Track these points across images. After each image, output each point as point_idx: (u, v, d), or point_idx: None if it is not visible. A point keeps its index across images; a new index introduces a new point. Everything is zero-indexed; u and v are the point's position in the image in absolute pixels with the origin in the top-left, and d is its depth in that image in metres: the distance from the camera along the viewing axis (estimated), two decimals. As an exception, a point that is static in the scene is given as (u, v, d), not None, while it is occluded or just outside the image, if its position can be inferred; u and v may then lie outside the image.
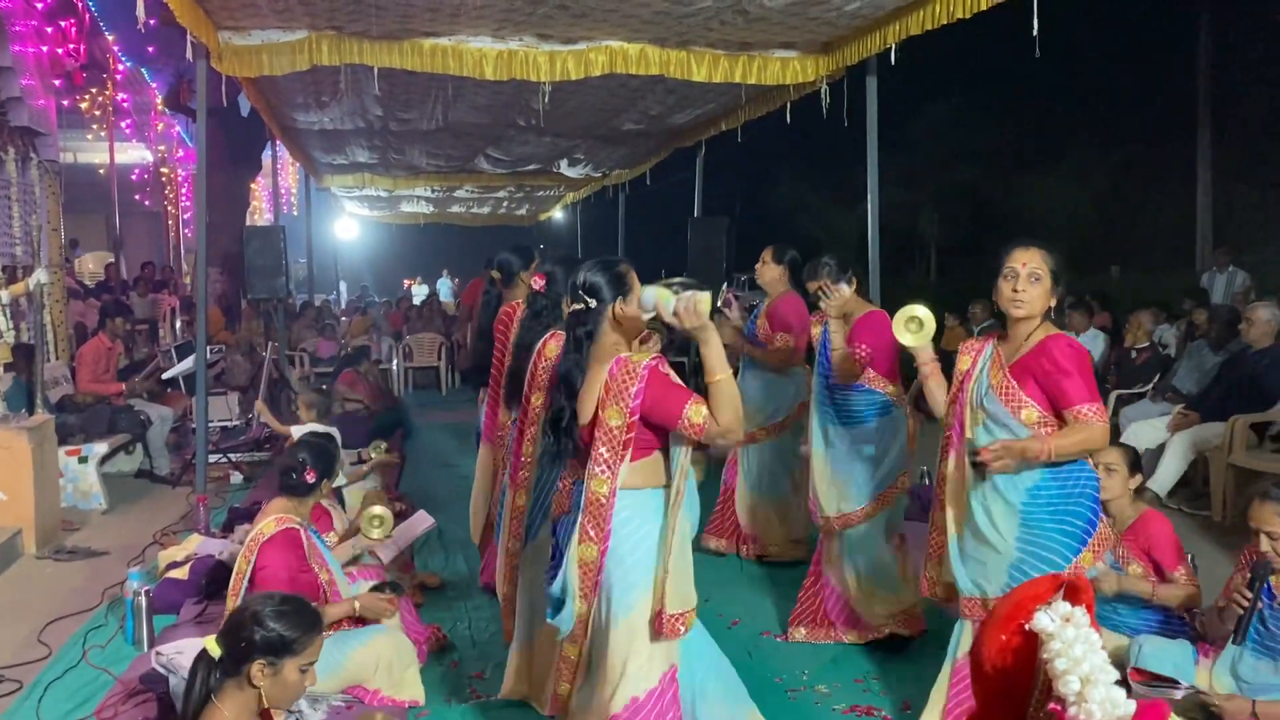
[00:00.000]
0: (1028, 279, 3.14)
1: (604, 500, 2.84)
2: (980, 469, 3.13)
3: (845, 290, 4.35)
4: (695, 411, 2.77)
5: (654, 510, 2.89)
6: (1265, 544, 3.11)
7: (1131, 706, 2.23)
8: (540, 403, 3.64)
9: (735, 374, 5.17)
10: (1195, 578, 3.72)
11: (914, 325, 3.51)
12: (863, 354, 4.29)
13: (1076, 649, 2.31)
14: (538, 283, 3.84)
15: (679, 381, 2.86)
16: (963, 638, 3.35)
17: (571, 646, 3.05)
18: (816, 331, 4.53)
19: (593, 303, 2.91)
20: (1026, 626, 2.46)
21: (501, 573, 3.92)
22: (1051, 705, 2.44)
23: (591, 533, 2.86)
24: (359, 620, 3.83)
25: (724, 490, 5.80)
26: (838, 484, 4.38)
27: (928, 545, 3.52)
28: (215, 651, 2.48)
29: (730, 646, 4.37)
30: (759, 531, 5.64)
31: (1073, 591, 2.51)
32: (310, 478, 3.79)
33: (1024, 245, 3.19)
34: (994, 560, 3.20)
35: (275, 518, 3.67)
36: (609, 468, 2.83)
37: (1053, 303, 3.18)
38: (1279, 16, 17.82)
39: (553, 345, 3.59)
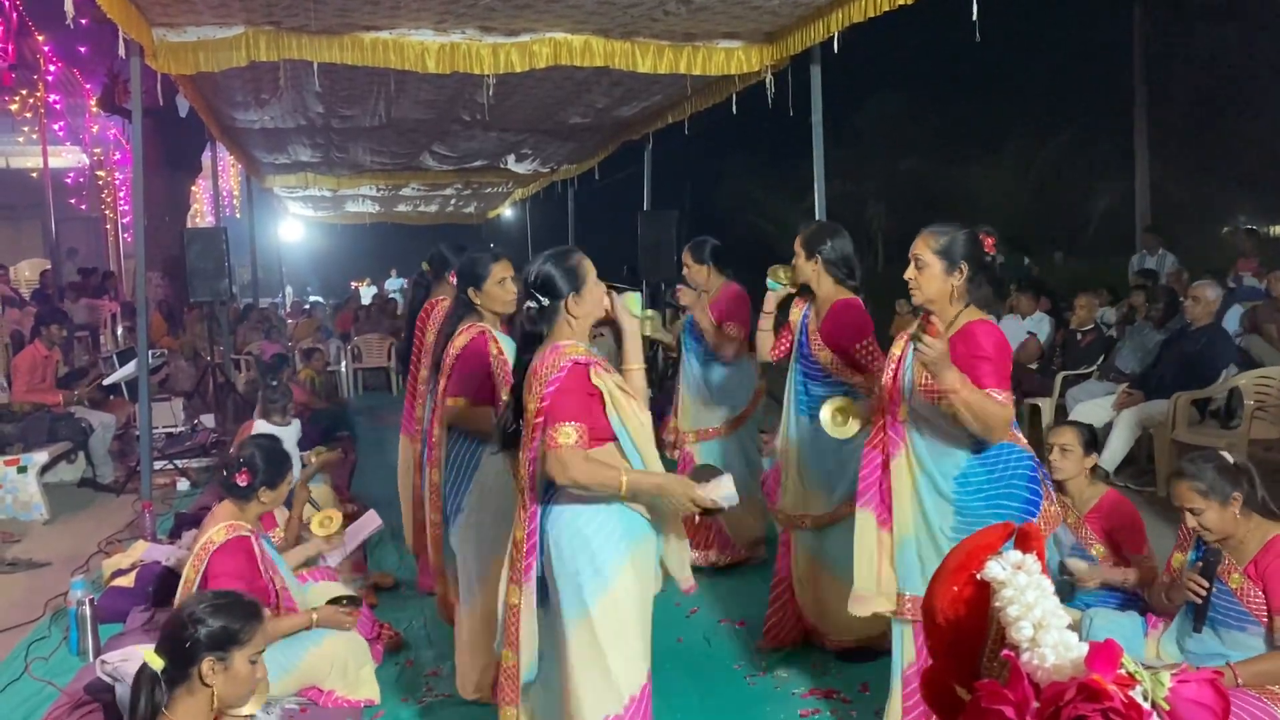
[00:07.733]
0: (914, 266, 3.16)
1: (524, 481, 2.82)
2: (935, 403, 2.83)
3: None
4: (566, 432, 2.63)
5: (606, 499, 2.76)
6: (1191, 520, 3.10)
7: (1084, 648, 2.25)
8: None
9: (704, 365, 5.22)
10: (1154, 559, 3.70)
11: (839, 418, 3.46)
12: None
13: (1028, 595, 2.32)
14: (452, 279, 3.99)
15: (594, 395, 2.70)
16: (905, 644, 3.23)
17: (509, 653, 2.84)
18: (796, 315, 4.23)
19: (545, 301, 2.78)
20: (978, 576, 2.46)
21: (430, 542, 3.93)
22: (1005, 653, 2.45)
23: (520, 512, 2.85)
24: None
25: None
26: (805, 481, 4.10)
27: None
28: (157, 664, 2.39)
29: (689, 634, 4.42)
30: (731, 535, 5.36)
31: (1023, 539, 2.51)
32: (241, 480, 3.66)
33: (921, 233, 3.20)
34: (937, 559, 2.96)
35: (225, 524, 3.58)
36: (528, 448, 2.79)
37: (955, 283, 3.11)
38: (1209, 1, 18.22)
39: (462, 339, 3.67)
